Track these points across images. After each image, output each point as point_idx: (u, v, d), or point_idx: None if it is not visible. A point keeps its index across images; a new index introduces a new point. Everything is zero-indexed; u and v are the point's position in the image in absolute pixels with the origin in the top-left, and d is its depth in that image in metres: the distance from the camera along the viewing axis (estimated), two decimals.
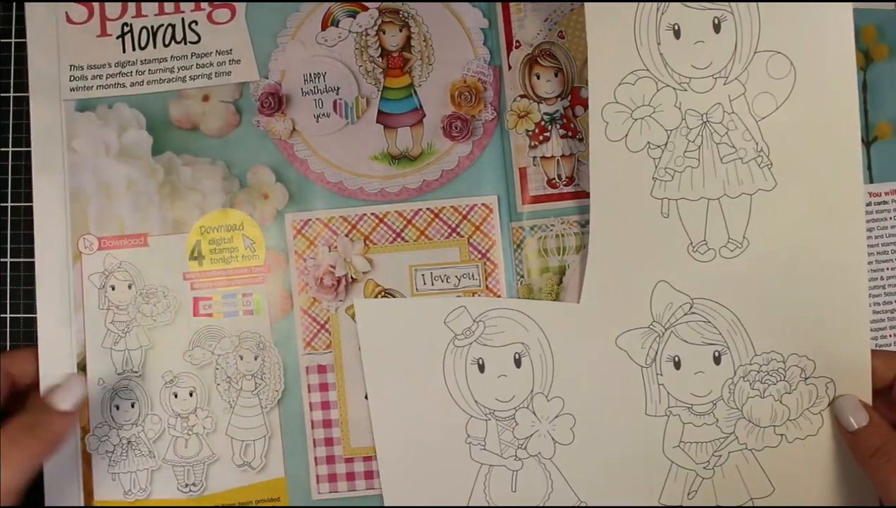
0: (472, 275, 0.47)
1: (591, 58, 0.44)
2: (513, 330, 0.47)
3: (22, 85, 0.48)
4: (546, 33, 0.48)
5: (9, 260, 0.48)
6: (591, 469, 0.47)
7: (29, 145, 0.47)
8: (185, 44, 0.47)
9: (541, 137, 0.48)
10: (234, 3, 0.47)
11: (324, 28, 0.47)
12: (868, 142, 0.48)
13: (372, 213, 0.47)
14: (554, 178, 0.48)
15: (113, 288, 0.46)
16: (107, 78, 0.47)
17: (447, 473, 0.47)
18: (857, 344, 0.45)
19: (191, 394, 0.47)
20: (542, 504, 0.47)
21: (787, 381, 0.46)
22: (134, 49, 0.47)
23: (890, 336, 0.49)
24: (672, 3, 0.43)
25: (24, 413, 0.40)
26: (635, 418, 0.46)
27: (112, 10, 0.47)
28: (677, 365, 0.46)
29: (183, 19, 0.47)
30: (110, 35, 0.47)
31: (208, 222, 0.47)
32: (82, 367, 0.46)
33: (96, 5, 0.47)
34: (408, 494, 0.47)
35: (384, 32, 0.48)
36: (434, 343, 0.46)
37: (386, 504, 0.47)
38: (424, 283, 0.47)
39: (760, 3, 0.43)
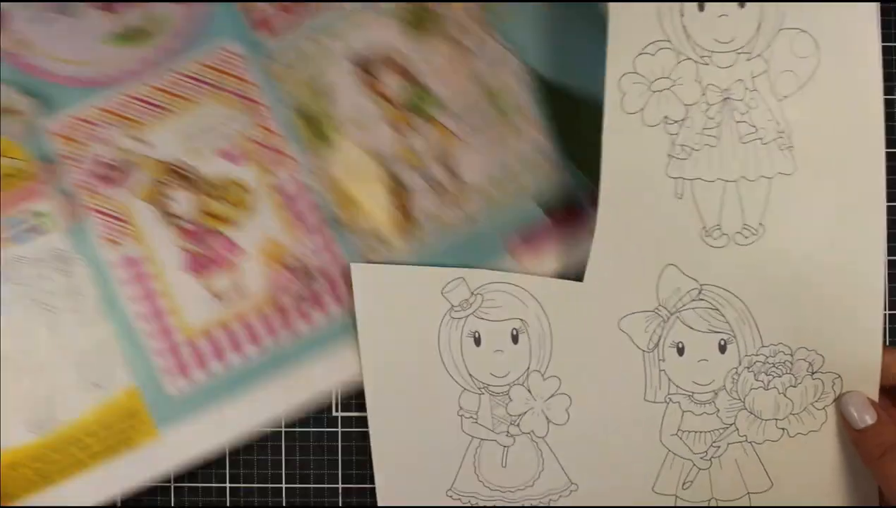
0: (242, 122, 0.46)
1: (612, 25, 0.42)
2: (512, 306, 0.46)
3: None
4: None
5: None
6: (585, 451, 0.46)
7: None
8: None
9: None
10: None
11: None
12: None
13: (127, 95, 0.46)
14: None
15: None
16: None
17: (437, 444, 0.46)
18: (869, 342, 0.44)
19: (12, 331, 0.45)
20: (532, 483, 0.46)
21: (792, 374, 0.44)
22: None
23: None
24: None
25: None
26: (633, 403, 0.45)
27: None
28: (681, 351, 0.45)
29: None
30: None
31: None
32: None
33: None
34: (398, 464, 0.46)
35: None
36: (430, 312, 0.46)
37: (375, 473, 0.46)
38: (204, 146, 0.46)
39: None
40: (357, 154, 0.45)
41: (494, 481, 0.46)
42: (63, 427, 0.45)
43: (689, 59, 0.42)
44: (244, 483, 0.47)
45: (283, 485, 0.47)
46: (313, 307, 0.45)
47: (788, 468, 0.45)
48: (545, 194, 0.47)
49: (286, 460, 0.47)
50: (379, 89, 0.46)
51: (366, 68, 0.46)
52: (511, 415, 0.46)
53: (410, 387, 0.46)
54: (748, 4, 0.42)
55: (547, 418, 0.46)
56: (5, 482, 0.44)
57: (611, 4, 0.42)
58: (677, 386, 0.45)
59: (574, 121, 0.46)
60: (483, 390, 0.46)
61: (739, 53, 0.42)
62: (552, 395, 0.46)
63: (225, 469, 0.46)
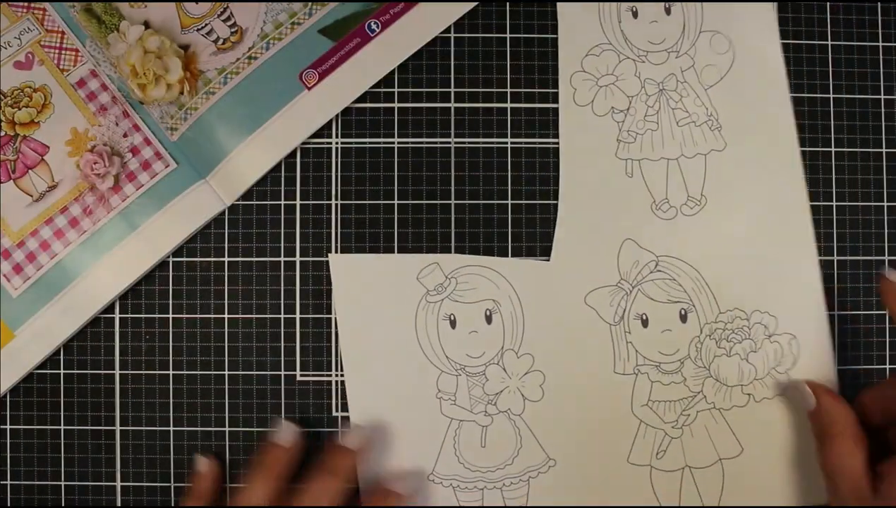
0: (29, 29, 0.47)
1: (561, 32, 0.48)
2: (484, 287, 0.47)
3: None
4: None
5: None
6: (561, 426, 0.47)
7: None
8: None
9: None
10: None
11: None
12: None
13: None
14: None
15: None
16: None
17: (418, 427, 0.47)
18: (812, 296, 0.47)
19: None
20: (511, 461, 0.47)
21: (752, 339, 0.47)
22: None
23: None
24: None
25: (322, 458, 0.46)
26: (604, 376, 0.47)
27: None
28: (645, 322, 0.47)
29: None
30: None
31: None
32: None
33: None
34: (379, 453, 0.47)
35: None
36: (407, 298, 0.47)
37: (358, 464, 0.47)
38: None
39: None
40: (138, 31, 0.46)
41: (474, 461, 0.47)
42: None
43: (629, 58, 0.48)
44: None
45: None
46: (127, 182, 0.47)
47: (758, 432, 0.47)
48: (331, 24, 0.47)
49: None
50: None
51: None
52: (488, 394, 0.47)
53: (389, 374, 0.47)
54: (673, 12, 0.48)
55: (522, 395, 0.47)
56: None
57: (560, 14, 0.48)
58: (644, 357, 0.47)
59: None
60: (460, 371, 0.47)
61: (669, 52, 0.48)
62: (526, 372, 0.47)
63: (225, 468, 0.48)
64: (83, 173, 0.46)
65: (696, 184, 0.48)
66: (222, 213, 0.48)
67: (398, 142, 0.48)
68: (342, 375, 0.48)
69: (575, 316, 0.47)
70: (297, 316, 0.48)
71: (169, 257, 0.48)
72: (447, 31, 0.48)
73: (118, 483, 0.48)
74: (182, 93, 0.46)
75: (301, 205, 0.48)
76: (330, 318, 0.48)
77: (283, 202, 0.48)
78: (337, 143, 0.48)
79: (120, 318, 0.48)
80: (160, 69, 0.46)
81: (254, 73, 0.47)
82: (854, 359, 0.48)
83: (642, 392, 0.47)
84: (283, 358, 0.48)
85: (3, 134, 0.46)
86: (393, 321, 0.47)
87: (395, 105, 0.48)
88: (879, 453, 0.43)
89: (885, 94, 0.49)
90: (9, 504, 0.48)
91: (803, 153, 0.49)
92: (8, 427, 0.48)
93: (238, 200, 0.48)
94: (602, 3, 0.48)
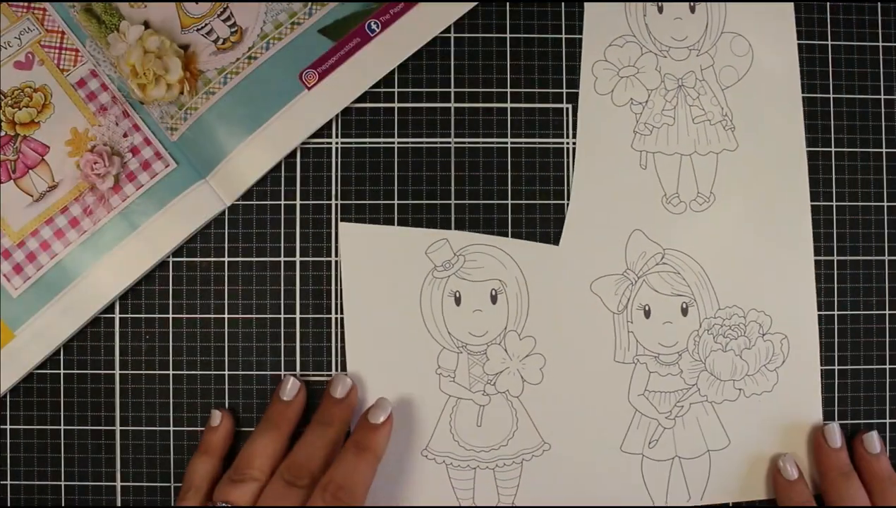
0: (26, 28, 0.47)
1: (587, 20, 0.49)
2: (492, 267, 0.48)
3: None
4: None
5: None
6: (557, 410, 0.48)
7: None
8: None
9: None
10: None
11: None
12: None
13: None
14: None
15: None
16: None
17: (415, 402, 0.47)
18: (806, 299, 0.48)
19: None
20: (506, 442, 0.48)
21: (746, 337, 0.48)
22: None
23: None
24: None
25: (354, 432, 0.45)
26: (603, 363, 0.48)
27: None
28: (647, 313, 0.48)
29: None
30: None
31: None
32: None
33: None
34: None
35: None
36: (414, 272, 0.48)
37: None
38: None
39: None
40: (138, 31, 0.46)
41: (469, 440, 0.47)
42: None
43: (651, 51, 0.49)
44: None
45: None
46: (127, 182, 0.47)
47: (744, 426, 0.48)
48: (330, 24, 0.47)
49: None
50: None
51: None
52: (488, 374, 0.47)
53: (391, 345, 0.47)
54: (698, 10, 0.49)
55: (522, 377, 0.48)
56: None
57: (587, 3, 0.48)
58: (644, 348, 0.48)
59: None
60: (461, 349, 0.47)
61: (691, 50, 0.49)
62: (528, 355, 0.48)
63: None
64: (83, 173, 0.46)
65: (706, 181, 0.48)
66: (222, 213, 0.48)
67: (398, 142, 0.48)
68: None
69: (579, 303, 0.48)
70: (297, 316, 0.48)
71: (169, 257, 0.48)
72: (447, 31, 0.48)
73: (118, 483, 0.48)
74: (182, 93, 0.46)
75: (301, 205, 0.48)
76: (330, 318, 0.48)
77: (283, 202, 0.48)
78: (337, 143, 0.48)
79: (120, 318, 0.48)
80: (160, 69, 0.46)
81: (254, 73, 0.47)
82: (854, 359, 0.48)
83: (640, 381, 0.48)
84: (283, 358, 0.48)
85: (3, 134, 0.46)
86: (398, 294, 0.47)
87: (395, 105, 0.48)
88: None
89: (885, 94, 0.49)
90: (9, 504, 0.48)
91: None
92: (8, 427, 0.48)
93: (238, 200, 0.48)
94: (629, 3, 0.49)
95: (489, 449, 0.47)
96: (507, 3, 0.49)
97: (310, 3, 0.47)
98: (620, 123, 0.48)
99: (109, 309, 0.48)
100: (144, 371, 0.48)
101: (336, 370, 0.48)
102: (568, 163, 0.49)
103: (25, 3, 0.47)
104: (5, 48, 0.47)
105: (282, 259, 0.48)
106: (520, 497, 0.47)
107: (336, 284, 0.48)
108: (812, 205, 0.49)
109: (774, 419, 0.48)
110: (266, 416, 0.46)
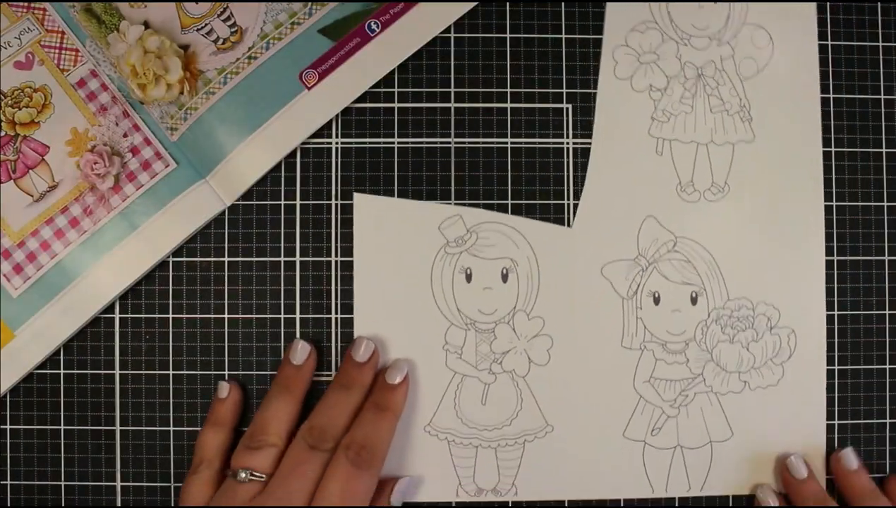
0: (25, 28, 0.47)
1: (609, 5, 0.49)
2: (504, 245, 0.48)
3: None
4: None
5: None
6: (562, 393, 0.48)
7: None
8: None
9: None
10: None
11: None
12: None
13: None
14: None
15: None
16: None
17: (421, 377, 0.47)
18: (815, 294, 0.48)
19: None
20: (509, 422, 0.48)
21: (754, 329, 0.48)
22: None
23: None
24: None
25: (372, 394, 0.46)
26: (611, 348, 0.48)
27: None
28: (657, 300, 0.48)
29: None
30: None
31: None
32: None
33: None
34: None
35: None
36: (426, 247, 0.48)
37: None
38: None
39: None
40: (138, 31, 0.46)
41: (472, 418, 0.47)
42: None
43: (672, 39, 0.49)
44: None
45: None
46: (127, 182, 0.47)
47: (748, 419, 0.48)
48: (330, 24, 0.47)
49: None
50: None
51: None
52: (495, 353, 0.48)
53: (399, 318, 0.47)
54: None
55: (529, 358, 0.48)
56: None
57: None
58: (652, 335, 0.48)
59: None
60: (470, 326, 0.48)
61: (712, 39, 0.49)
62: (535, 335, 0.48)
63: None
64: (83, 173, 0.46)
65: (721, 171, 0.48)
66: (222, 213, 0.48)
67: (398, 142, 0.48)
68: None
69: (590, 286, 0.48)
70: (297, 316, 0.48)
71: (169, 257, 0.48)
72: (447, 31, 0.48)
73: (118, 483, 0.48)
74: (182, 93, 0.46)
75: (301, 205, 0.48)
76: (330, 318, 0.48)
77: (283, 202, 0.48)
78: (337, 143, 0.48)
79: (120, 318, 0.48)
80: (160, 69, 0.46)
81: (254, 73, 0.47)
82: (854, 359, 0.48)
83: (646, 368, 0.48)
84: (283, 358, 0.48)
85: (3, 134, 0.46)
86: (409, 267, 0.47)
87: (395, 105, 0.48)
88: None
89: (884, 94, 0.49)
90: (9, 504, 0.48)
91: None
92: (8, 427, 0.48)
93: (238, 200, 0.48)
94: None
95: (492, 428, 0.47)
96: (507, 3, 0.49)
97: (310, 3, 0.47)
98: (638, 109, 0.49)
99: (109, 309, 0.48)
100: (144, 371, 0.48)
101: (336, 370, 0.48)
102: (568, 163, 0.49)
103: (25, 3, 0.47)
104: (5, 48, 0.47)
105: (282, 259, 0.48)
106: (520, 478, 0.47)
107: (336, 284, 0.48)
108: None
109: (778, 413, 0.48)
110: (277, 380, 0.46)
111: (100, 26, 0.47)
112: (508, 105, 0.49)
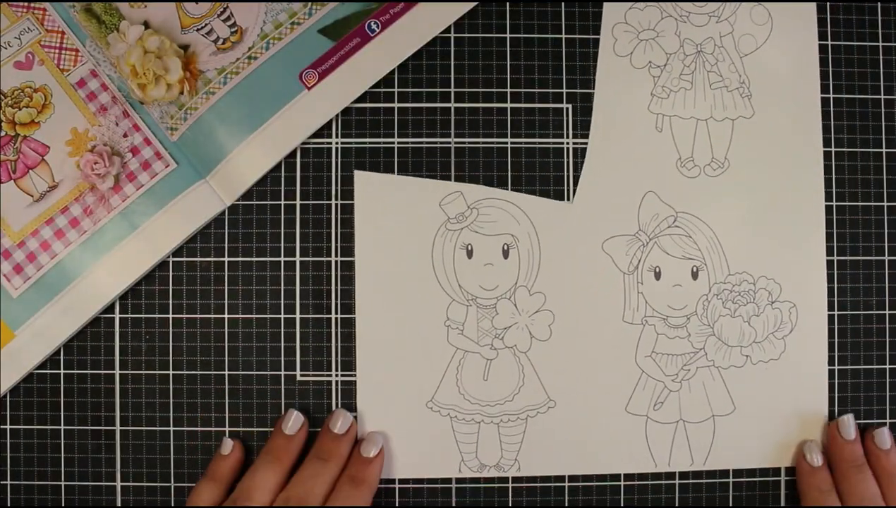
0: (25, 28, 0.47)
1: None
2: (505, 221, 0.48)
3: None
4: None
5: None
6: (564, 368, 0.48)
7: None
8: None
9: None
10: None
11: None
12: None
13: None
14: None
15: None
16: None
17: (423, 353, 0.48)
18: (816, 268, 0.48)
19: None
20: (511, 398, 0.48)
21: (755, 303, 0.48)
22: None
23: None
24: None
25: (348, 467, 0.46)
26: (612, 323, 0.48)
27: None
28: (657, 275, 0.48)
29: None
30: None
31: None
32: None
33: None
34: (382, 371, 0.48)
35: None
36: (426, 223, 0.48)
37: (358, 380, 0.48)
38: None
39: None
40: (138, 31, 0.46)
41: (475, 394, 0.48)
42: None
43: (671, 16, 0.49)
44: None
45: None
46: (127, 182, 0.47)
47: (750, 393, 0.48)
48: (330, 24, 0.47)
49: None
50: None
51: None
52: (496, 328, 0.48)
53: (401, 295, 0.48)
54: None
55: (530, 333, 0.48)
56: None
57: None
58: (653, 309, 0.48)
59: None
60: (471, 302, 0.48)
61: (711, 16, 0.49)
62: (537, 311, 0.48)
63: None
64: (83, 173, 0.46)
65: (721, 146, 0.49)
66: (222, 213, 0.48)
67: (398, 142, 0.48)
68: (342, 375, 0.48)
69: (591, 261, 0.48)
70: (297, 316, 0.48)
71: (169, 257, 0.48)
72: (447, 31, 0.48)
73: (118, 483, 0.48)
74: (182, 93, 0.46)
75: (301, 205, 0.48)
76: (330, 318, 0.48)
77: (283, 202, 0.48)
78: (337, 143, 0.48)
79: (120, 318, 0.48)
80: (160, 69, 0.46)
81: (254, 73, 0.47)
82: (854, 359, 0.48)
83: (647, 343, 0.48)
84: (283, 358, 0.48)
85: (3, 134, 0.46)
86: (410, 244, 0.48)
87: (395, 105, 0.48)
88: None
89: (884, 94, 0.49)
90: (9, 504, 0.48)
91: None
92: (8, 427, 0.48)
93: (238, 200, 0.48)
94: None
95: (494, 404, 0.48)
96: (507, 3, 0.49)
97: (310, 3, 0.47)
98: (638, 85, 0.49)
99: (109, 309, 0.48)
100: (144, 371, 0.48)
101: (336, 370, 0.48)
102: (568, 163, 0.49)
103: (25, 3, 0.47)
104: (5, 48, 0.47)
105: (282, 259, 0.48)
106: (522, 454, 0.48)
107: (336, 284, 0.48)
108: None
109: (780, 387, 0.48)
110: (267, 449, 0.46)
111: (100, 26, 0.47)
112: (508, 105, 0.49)
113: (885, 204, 0.49)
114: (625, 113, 0.49)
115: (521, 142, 0.49)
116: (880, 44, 0.49)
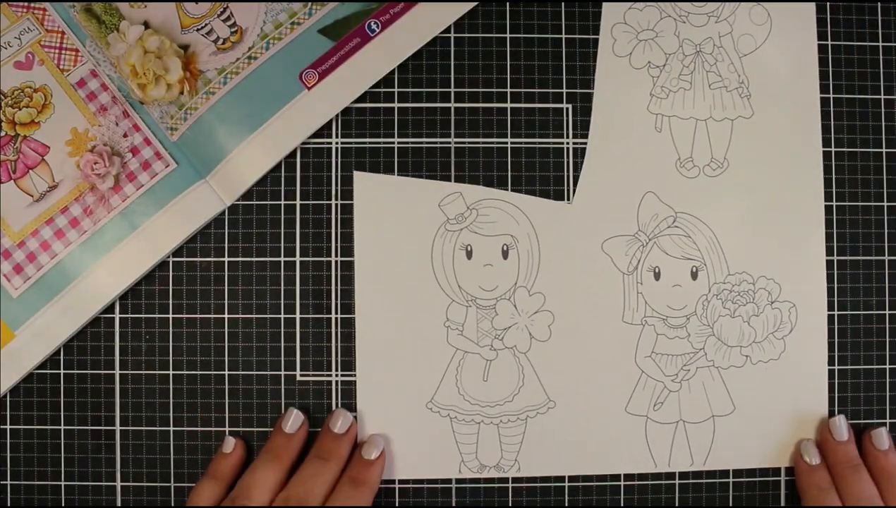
0: (25, 28, 0.47)
1: None
2: (504, 222, 0.48)
3: None
4: None
5: None
6: (564, 368, 0.48)
7: None
8: None
9: None
10: None
11: None
12: None
13: None
14: None
15: None
16: None
17: (422, 353, 0.48)
18: (815, 268, 0.48)
19: None
20: (511, 398, 0.48)
21: (755, 303, 0.48)
22: None
23: None
24: None
25: (349, 468, 0.46)
26: (612, 323, 0.48)
27: None
28: (657, 275, 0.48)
29: None
30: None
31: None
32: None
33: None
34: (382, 372, 0.48)
35: None
36: (426, 224, 0.48)
37: (358, 381, 0.48)
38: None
39: None
40: (138, 31, 0.46)
41: (475, 395, 0.48)
42: None
43: (670, 16, 0.49)
44: None
45: None
46: (127, 182, 0.47)
47: (750, 393, 0.48)
48: (330, 24, 0.47)
49: None
50: None
51: None
52: (496, 329, 0.48)
53: (400, 296, 0.48)
54: None
55: (530, 334, 0.48)
56: None
57: None
58: (653, 310, 0.48)
59: None
60: (471, 303, 0.48)
61: (710, 16, 0.49)
62: (536, 311, 0.48)
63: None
64: (83, 173, 0.46)
65: (720, 147, 0.49)
66: (222, 213, 0.48)
67: (398, 142, 0.48)
68: (342, 375, 0.48)
69: (590, 261, 0.48)
70: (297, 316, 0.48)
71: (169, 257, 0.48)
72: (447, 31, 0.48)
73: (118, 483, 0.48)
74: (182, 93, 0.46)
75: (301, 205, 0.48)
76: (330, 318, 0.48)
77: (283, 202, 0.48)
78: (337, 143, 0.48)
79: (120, 318, 0.48)
80: (160, 69, 0.46)
81: (254, 73, 0.47)
82: (854, 359, 0.48)
83: (647, 343, 0.48)
84: (283, 358, 0.48)
85: (3, 134, 0.46)
86: (409, 245, 0.48)
87: (395, 105, 0.48)
88: None
89: (884, 94, 0.49)
90: (9, 504, 0.48)
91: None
92: (8, 427, 0.48)
93: (238, 200, 0.48)
94: None
95: (494, 405, 0.48)
96: (507, 3, 0.49)
97: (310, 3, 0.47)
98: (637, 85, 0.49)
99: (109, 309, 0.48)
100: (144, 371, 0.48)
101: (336, 370, 0.48)
102: (568, 163, 0.49)
103: (25, 3, 0.47)
104: (5, 48, 0.47)
105: (282, 259, 0.48)
106: (522, 454, 0.48)
107: (336, 284, 0.48)
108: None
109: (780, 387, 0.48)
110: (267, 447, 0.46)
111: (100, 26, 0.47)
112: (508, 105, 0.49)
113: (885, 204, 0.49)
114: (624, 113, 0.49)
115: (521, 142, 0.49)
116: (880, 44, 0.49)
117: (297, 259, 0.48)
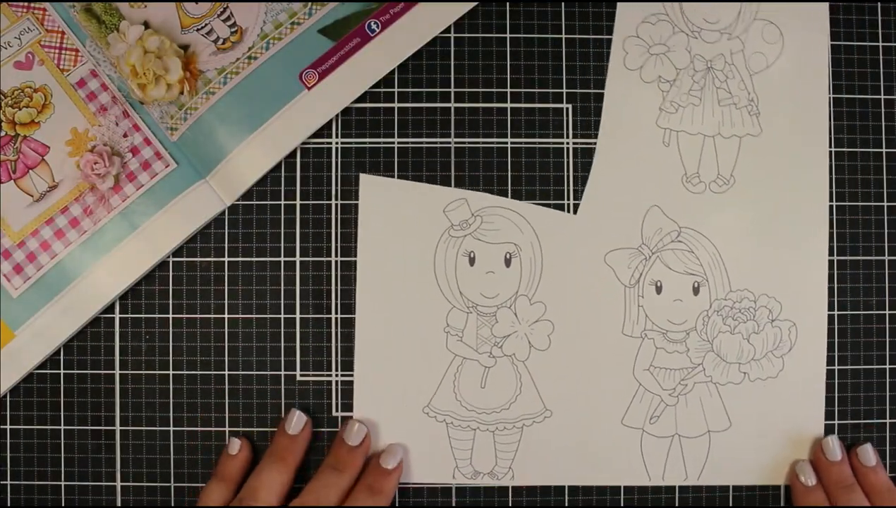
0: (25, 28, 0.47)
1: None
2: (508, 230, 0.48)
3: None
4: None
5: None
6: (562, 378, 0.48)
7: None
8: None
9: None
10: None
11: None
12: None
13: None
14: None
15: None
16: None
17: (421, 358, 0.48)
18: (817, 288, 0.48)
19: None
20: (508, 406, 0.48)
21: (755, 321, 0.48)
22: None
23: None
24: None
25: (365, 475, 0.46)
26: (612, 335, 0.48)
27: None
28: (658, 289, 0.48)
29: None
30: None
31: None
32: None
33: None
34: (380, 375, 0.48)
35: None
36: (430, 229, 0.48)
37: (355, 382, 0.48)
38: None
39: None
40: (138, 31, 0.46)
41: (472, 401, 0.48)
42: None
43: (682, 31, 0.49)
44: None
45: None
46: (127, 182, 0.47)
47: (747, 410, 0.48)
48: (330, 24, 0.47)
49: None
50: None
51: None
52: (496, 336, 0.48)
53: (401, 300, 0.48)
54: None
55: (530, 342, 0.48)
56: None
57: None
58: (653, 323, 0.48)
59: None
60: (471, 309, 0.48)
61: (722, 33, 0.49)
62: (537, 320, 0.48)
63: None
64: (83, 173, 0.46)
65: (727, 163, 0.49)
66: (222, 213, 0.48)
67: (398, 142, 0.48)
68: (342, 375, 0.48)
69: (592, 273, 0.48)
70: (297, 316, 0.48)
71: (169, 257, 0.48)
72: (447, 31, 0.48)
73: (118, 483, 0.48)
74: (182, 93, 0.46)
75: (301, 205, 0.48)
76: (330, 318, 0.48)
77: (283, 202, 0.48)
78: (337, 143, 0.48)
79: (120, 318, 0.48)
80: (160, 69, 0.46)
81: (254, 73, 0.47)
82: (854, 359, 0.48)
83: (646, 356, 0.48)
84: (283, 358, 0.48)
85: (3, 134, 0.46)
86: (413, 249, 0.48)
87: (395, 105, 0.48)
88: None
89: (885, 94, 0.49)
90: (9, 504, 0.48)
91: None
92: (8, 427, 0.48)
93: (238, 200, 0.48)
94: None
95: (491, 412, 0.48)
96: (507, 3, 0.49)
97: (310, 3, 0.47)
98: (647, 99, 0.49)
99: (109, 309, 0.48)
100: (144, 371, 0.48)
101: (336, 370, 0.48)
102: (568, 163, 0.49)
103: (25, 3, 0.47)
104: (5, 48, 0.47)
105: (282, 259, 0.48)
106: (517, 462, 0.48)
107: (336, 284, 0.48)
108: None
109: (777, 405, 0.48)
110: (271, 449, 0.46)
111: (100, 26, 0.47)
112: (508, 105, 0.49)
113: (886, 204, 0.49)
114: (632, 126, 0.49)
115: (521, 143, 0.49)
116: (880, 44, 0.49)
117: (297, 259, 0.48)
